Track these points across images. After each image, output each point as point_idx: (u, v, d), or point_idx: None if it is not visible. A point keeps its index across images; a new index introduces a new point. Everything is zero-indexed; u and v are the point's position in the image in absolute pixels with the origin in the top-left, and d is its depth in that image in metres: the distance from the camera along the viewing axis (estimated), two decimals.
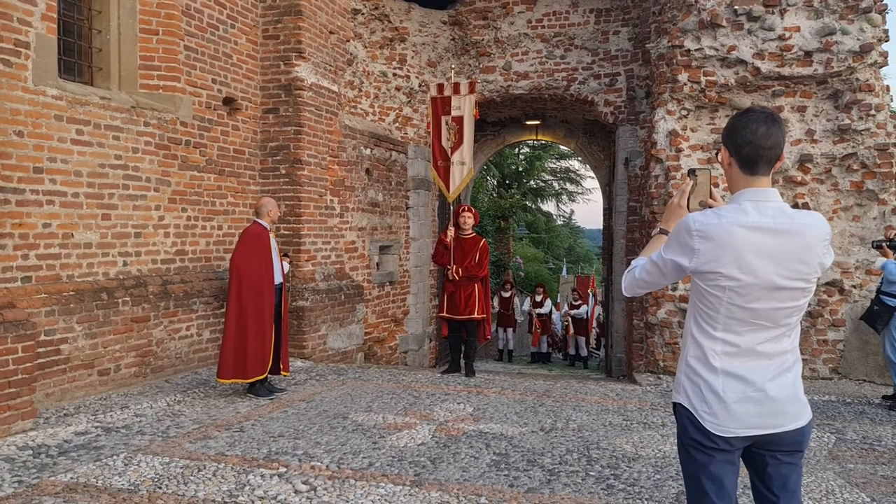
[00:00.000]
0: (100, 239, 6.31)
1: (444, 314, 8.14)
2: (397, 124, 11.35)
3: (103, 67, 6.75)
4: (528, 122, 14.18)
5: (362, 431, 5.34)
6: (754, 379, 2.17)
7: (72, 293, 5.91)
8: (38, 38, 5.60)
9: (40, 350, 5.34)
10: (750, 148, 2.18)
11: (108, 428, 5.23)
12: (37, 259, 5.68)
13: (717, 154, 2.56)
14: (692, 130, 8.06)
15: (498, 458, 4.74)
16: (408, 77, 11.36)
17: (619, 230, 11.14)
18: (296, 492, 4.01)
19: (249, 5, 8.22)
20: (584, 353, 18.24)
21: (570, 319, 18.79)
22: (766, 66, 7.71)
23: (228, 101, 7.94)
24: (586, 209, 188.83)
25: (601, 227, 15.46)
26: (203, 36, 7.47)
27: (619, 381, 8.84)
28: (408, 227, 11.51)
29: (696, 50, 7.88)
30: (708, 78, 7.89)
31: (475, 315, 7.98)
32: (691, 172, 2.45)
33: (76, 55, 6.51)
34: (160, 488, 4.02)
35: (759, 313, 2.16)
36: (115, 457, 4.54)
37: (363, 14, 10.54)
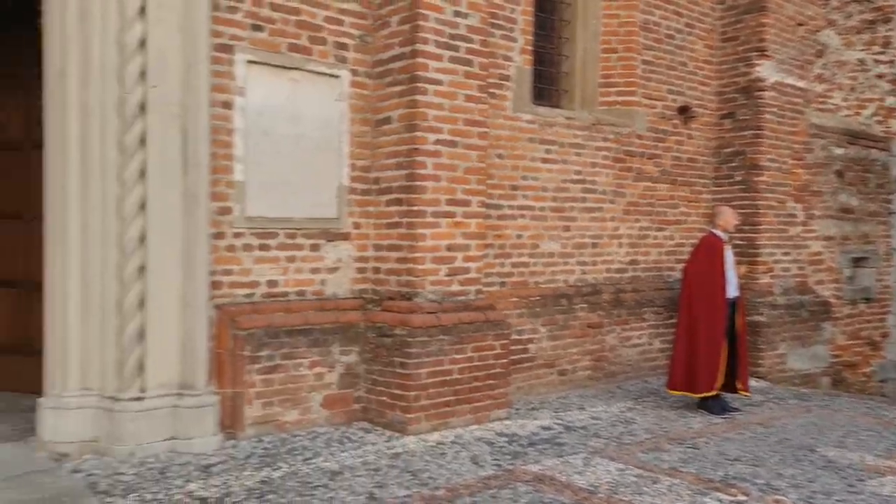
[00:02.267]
0: (561, 249, 6.84)
1: None
2: (877, 117, 9.84)
3: (568, 90, 7.31)
4: None
5: (834, 470, 4.70)
6: None
7: (537, 298, 6.55)
8: (517, 70, 6.36)
9: (513, 347, 6.00)
10: None
11: (568, 426, 5.60)
12: (511, 266, 6.42)
13: None
14: None
15: None
16: (891, 62, 9.75)
17: None
18: None
19: (707, 9, 8.02)
20: None
21: None
22: None
23: (683, 110, 7.86)
24: None
25: None
26: (659, 47, 7.54)
27: None
28: (889, 236, 9.86)
29: None
30: None
31: None
32: None
33: (545, 81, 7.18)
34: (616, 494, 4.13)
35: None
36: (575, 455, 4.83)
37: None
